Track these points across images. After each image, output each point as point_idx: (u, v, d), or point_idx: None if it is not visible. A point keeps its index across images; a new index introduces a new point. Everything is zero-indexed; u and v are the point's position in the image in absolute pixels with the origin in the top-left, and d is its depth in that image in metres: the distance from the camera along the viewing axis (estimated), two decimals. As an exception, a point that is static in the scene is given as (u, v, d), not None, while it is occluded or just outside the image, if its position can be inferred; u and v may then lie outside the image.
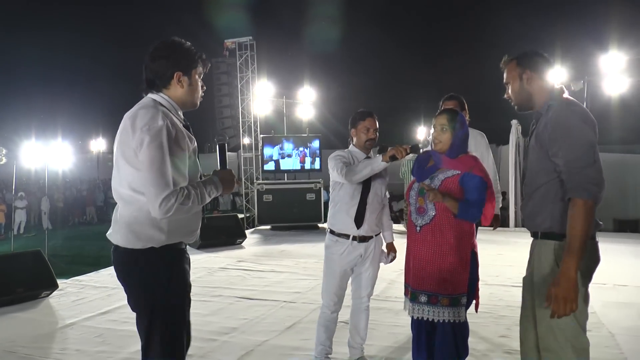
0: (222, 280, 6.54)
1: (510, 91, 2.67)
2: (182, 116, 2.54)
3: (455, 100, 4.37)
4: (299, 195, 10.99)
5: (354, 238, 3.59)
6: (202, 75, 2.57)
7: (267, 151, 11.95)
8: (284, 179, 12.31)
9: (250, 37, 14.12)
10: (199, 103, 2.60)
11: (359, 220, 3.57)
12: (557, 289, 2.26)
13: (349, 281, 3.75)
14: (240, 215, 13.98)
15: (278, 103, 13.99)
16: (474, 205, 2.99)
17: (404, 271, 3.30)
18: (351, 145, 3.76)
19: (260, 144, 12.23)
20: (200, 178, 2.57)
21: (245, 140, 14.08)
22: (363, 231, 3.59)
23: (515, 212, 11.57)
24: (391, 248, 3.83)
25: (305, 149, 11.91)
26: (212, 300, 5.61)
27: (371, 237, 3.65)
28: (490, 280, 6.27)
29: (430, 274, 3.08)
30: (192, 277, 6.47)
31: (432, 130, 3.25)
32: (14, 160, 13.42)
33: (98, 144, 36.58)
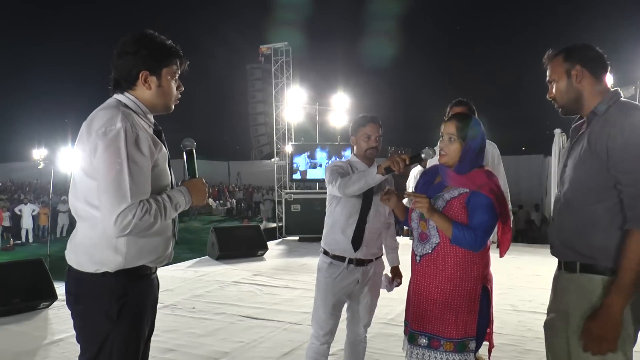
0: (231, 296, 6.16)
1: (554, 90, 2.22)
2: (152, 120, 2.19)
3: (464, 106, 3.90)
4: (328, 206, 10.53)
5: (350, 261, 3.14)
6: (177, 75, 2.20)
7: (296, 160, 11.58)
8: (316, 188, 11.89)
9: (286, 43, 13.84)
10: (173, 106, 2.24)
11: (356, 242, 3.12)
12: (594, 323, 1.96)
13: (345, 308, 3.30)
14: (274, 225, 13.69)
15: (311, 110, 13.60)
16: (475, 230, 2.47)
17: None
18: (351, 154, 3.32)
19: (289, 152, 11.88)
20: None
21: (288, 148, 13.78)
22: (361, 254, 3.14)
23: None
24: (396, 272, 3.37)
25: (338, 158, 11.47)
26: (213, 319, 5.23)
27: (370, 261, 3.20)
28: (521, 305, 5.66)
29: (430, 313, 2.59)
30: (201, 291, 6.14)
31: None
32: (52, 165, 13.57)
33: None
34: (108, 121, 1.96)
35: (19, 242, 18.99)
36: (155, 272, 2.26)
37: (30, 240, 19.46)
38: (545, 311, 2.27)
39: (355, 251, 3.12)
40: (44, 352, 4.33)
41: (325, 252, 3.22)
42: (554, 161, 10.30)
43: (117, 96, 2.13)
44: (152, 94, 2.14)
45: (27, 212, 19.44)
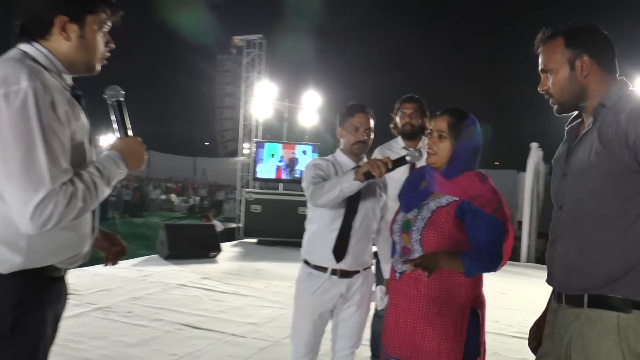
0: (173, 301, 5.60)
1: (551, 82, 1.76)
2: (71, 82, 1.69)
3: (414, 103, 3.54)
4: (290, 208, 9.89)
5: (334, 272, 2.70)
6: (105, 27, 1.70)
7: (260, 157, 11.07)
8: (279, 189, 11.35)
9: (261, 35, 13.32)
10: (99, 66, 1.73)
11: (339, 251, 2.69)
12: None
13: (330, 327, 2.86)
14: (234, 225, 13.10)
15: (280, 106, 13.08)
16: (486, 252, 2.13)
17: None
18: (337, 149, 2.87)
19: (253, 150, 11.37)
20: None
21: (252, 146, 13.23)
22: (345, 264, 2.69)
23: (529, 245, 10.71)
24: None
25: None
26: (149, 326, 4.69)
27: (357, 272, 2.75)
28: (487, 326, 5.26)
29: (409, 339, 2.21)
30: (142, 293, 5.54)
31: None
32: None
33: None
34: (9, 79, 1.45)
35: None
36: (65, 274, 1.75)
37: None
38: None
39: (338, 262, 2.69)
40: None
41: (306, 262, 2.79)
42: (529, 176, 10.10)
43: (23, 46, 1.61)
44: (70, 47, 1.64)
45: None
